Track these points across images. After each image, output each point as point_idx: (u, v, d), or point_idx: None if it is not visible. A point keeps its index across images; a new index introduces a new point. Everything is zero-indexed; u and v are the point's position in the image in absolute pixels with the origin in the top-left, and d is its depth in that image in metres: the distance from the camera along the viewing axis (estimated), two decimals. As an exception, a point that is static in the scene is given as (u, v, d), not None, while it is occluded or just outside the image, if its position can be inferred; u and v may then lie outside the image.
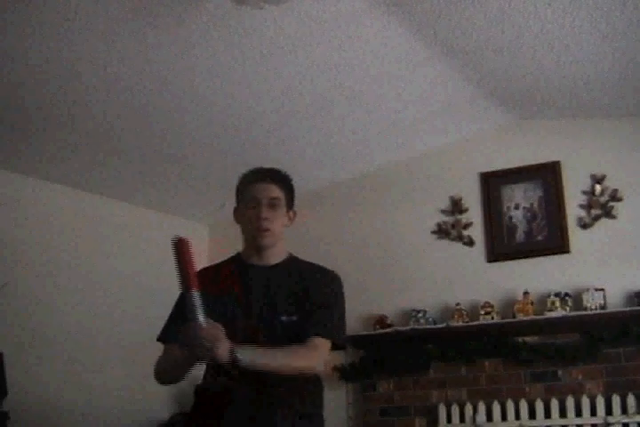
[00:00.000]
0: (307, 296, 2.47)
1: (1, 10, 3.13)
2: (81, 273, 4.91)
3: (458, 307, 4.90)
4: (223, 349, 2.16)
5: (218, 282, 2.49)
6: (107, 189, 5.06)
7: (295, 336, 2.40)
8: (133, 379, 5.06)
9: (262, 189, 2.54)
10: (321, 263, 2.63)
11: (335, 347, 2.48)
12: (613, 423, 4.36)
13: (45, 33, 3.35)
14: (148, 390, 5.16)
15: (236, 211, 2.65)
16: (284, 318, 2.43)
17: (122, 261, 5.15)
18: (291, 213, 2.63)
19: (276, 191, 2.55)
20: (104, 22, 3.35)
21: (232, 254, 2.66)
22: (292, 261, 2.59)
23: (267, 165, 2.66)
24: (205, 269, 2.56)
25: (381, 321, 5.07)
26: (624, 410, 4.36)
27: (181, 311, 2.39)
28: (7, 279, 4.46)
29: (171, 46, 3.61)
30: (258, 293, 2.47)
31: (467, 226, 5.15)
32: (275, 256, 2.55)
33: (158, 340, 2.63)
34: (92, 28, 3.37)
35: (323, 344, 2.41)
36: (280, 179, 2.59)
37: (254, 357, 2.23)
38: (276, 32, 3.61)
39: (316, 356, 2.40)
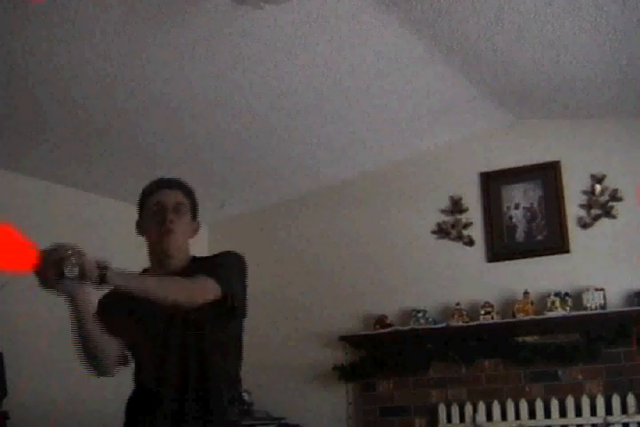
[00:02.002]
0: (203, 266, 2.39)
1: (1, 11, 3.13)
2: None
3: (458, 307, 4.90)
4: (90, 263, 2.06)
5: (119, 305, 2.38)
6: (106, 188, 5.06)
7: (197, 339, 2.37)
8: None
9: (167, 195, 2.46)
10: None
11: (231, 311, 2.33)
12: (613, 423, 4.36)
13: (45, 33, 3.35)
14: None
15: (138, 222, 2.55)
16: (181, 332, 2.38)
17: (122, 261, 5.14)
18: (195, 223, 2.53)
19: (181, 197, 2.47)
20: (104, 23, 3.35)
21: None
22: (196, 261, 2.49)
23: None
24: (106, 296, 2.49)
25: (381, 321, 5.07)
26: (624, 410, 4.36)
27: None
28: (7, 279, 4.46)
29: (171, 46, 3.61)
30: (149, 312, 2.34)
31: (467, 226, 5.16)
32: (180, 263, 2.45)
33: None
34: (92, 29, 3.37)
35: (209, 284, 2.25)
36: (184, 187, 2.52)
37: (126, 278, 2.17)
38: (276, 32, 3.61)
39: (198, 290, 2.24)
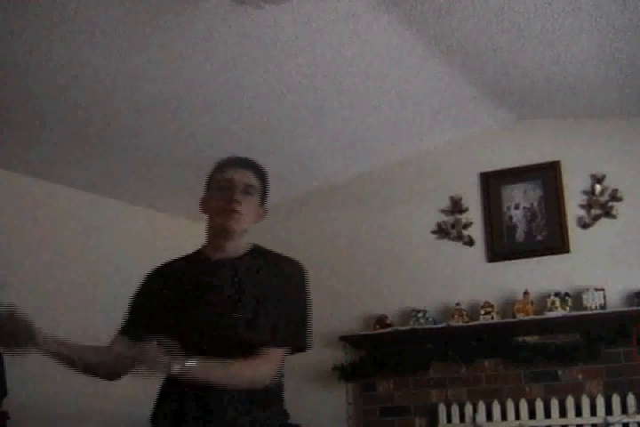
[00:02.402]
0: (270, 293, 2.28)
1: (1, 11, 3.13)
2: (81, 273, 4.91)
3: (458, 307, 4.90)
4: (167, 364, 2.08)
5: (176, 282, 2.34)
6: (106, 189, 5.06)
7: (253, 334, 2.22)
8: (133, 379, 5.06)
9: (238, 174, 2.35)
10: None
11: (298, 349, 2.31)
12: (613, 423, 4.36)
13: (45, 33, 3.35)
14: (148, 390, 5.16)
15: (203, 199, 2.42)
16: (243, 315, 2.23)
17: (122, 261, 5.15)
18: (262, 209, 2.41)
19: (253, 179, 2.37)
20: (104, 23, 3.34)
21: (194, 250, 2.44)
22: (257, 252, 2.38)
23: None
24: (164, 267, 2.43)
25: (381, 321, 5.07)
26: (624, 410, 4.36)
27: (142, 302, 2.36)
28: (7, 279, 4.46)
29: (171, 46, 3.61)
30: (220, 290, 2.27)
31: (467, 226, 5.16)
32: (235, 249, 2.34)
33: (120, 332, 2.44)
34: (91, 29, 3.37)
35: (276, 355, 2.23)
36: (258, 168, 2.43)
37: (202, 371, 2.13)
38: (276, 32, 3.61)
39: (267, 369, 2.21)
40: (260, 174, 2.42)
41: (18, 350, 1.97)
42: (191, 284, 2.30)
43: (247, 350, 2.21)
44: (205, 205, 2.41)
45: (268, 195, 2.43)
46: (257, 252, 2.38)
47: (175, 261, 2.45)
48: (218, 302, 2.25)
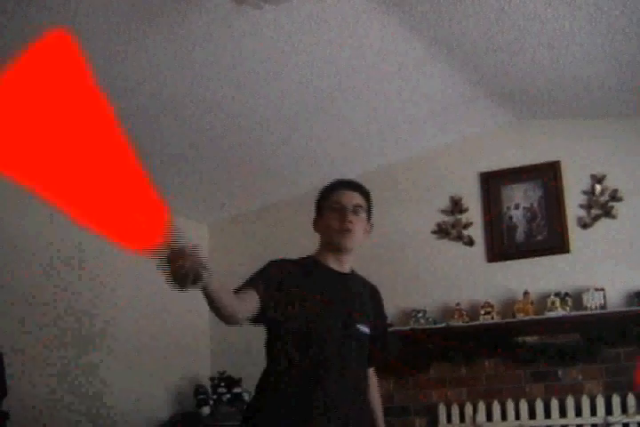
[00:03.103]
0: (379, 314, 2.68)
1: (1, 11, 3.13)
2: (81, 273, 4.91)
3: (458, 307, 4.90)
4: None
5: (312, 278, 2.54)
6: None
7: (365, 347, 2.55)
8: (133, 379, 5.07)
9: (347, 196, 2.65)
10: None
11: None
12: (613, 423, 4.36)
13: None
14: (148, 390, 5.17)
15: (316, 220, 2.69)
16: (359, 326, 2.53)
17: (122, 261, 5.15)
18: (368, 225, 2.72)
19: (360, 200, 2.67)
20: (104, 23, 3.35)
21: (304, 256, 2.68)
22: (356, 273, 2.70)
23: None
24: (291, 261, 2.61)
25: (381, 321, 5.07)
26: (624, 410, 4.36)
27: (282, 280, 2.46)
28: (7, 279, 4.46)
29: (171, 46, 3.61)
30: (337, 298, 2.54)
31: (467, 226, 5.15)
32: (348, 264, 2.65)
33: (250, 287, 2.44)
34: (91, 29, 3.37)
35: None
36: (363, 189, 2.72)
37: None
38: (277, 32, 3.61)
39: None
40: (366, 195, 2.72)
41: (190, 286, 2.04)
42: (329, 287, 2.55)
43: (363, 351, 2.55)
44: (318, 225, 2.67)
45: (372, 212, 2.75)
46: (355, 272, 2.70)
47: (297, 261, 2.63)
48: (352, 308, 2.54)
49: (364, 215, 2.66)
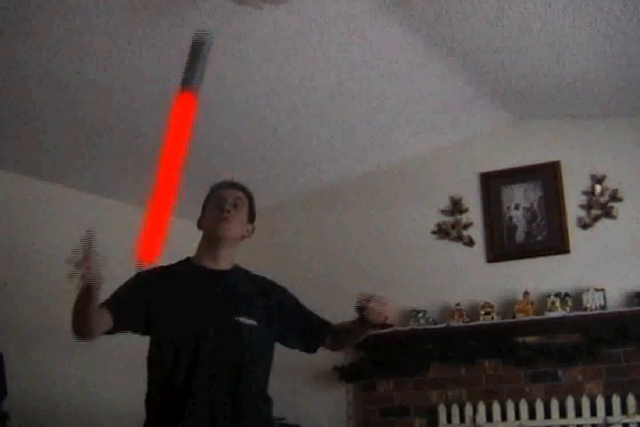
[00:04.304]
0: (285, 303, 2.73)
1: (1, 11, 3.13)
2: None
3: (458, 307, 4.90)
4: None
5: (176, 283, 2.59)
6: (106, 189, 5.06)
7: (256, 339, 2.55)
8: (133, 379, 5.06)
9: (228, 191, 2.71)
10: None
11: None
12: (613, 423, 4.36)
13: (45, 33, 3.35)
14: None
15: (200, 217, 2.75)
16: (241, 319, 2.52)
17: (122, 261, 5.15)
18: (250, 226, 2.73)
19: (241, 195, 2.71)
20: (103, 23, 3.35)
21: (180, 259, 2.74)
22: (240, 269, 2.71)
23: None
24: (161, 268, 2.63)
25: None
26: (624, 410, 4.36)
27: (141, 293, 2.54)
28: (7, 279, 4.46)
29: (170, 46, 3.61)
30: (207, 295, 2.56)
31: (467, 226, 5.15)
32: (227, 262, 2.65)
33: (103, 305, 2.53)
34: (91, 29, 3.37)
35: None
36: (246, 190, 2.75)
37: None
38: (276, 32, 3.61)
39: None
40: (248, 193, 2.75)
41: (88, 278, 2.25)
42: (196, 289, 2.57)
43: (257, 352, 2.57)
44: (201, 222, 2.74)
45: (255, 215, 2.75)
46: (239, 269, 2.72)
47: (167, 267, 2.66)
48: (228, 304, 2.56)
49: (244, 209, 2.69)
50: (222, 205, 2.64)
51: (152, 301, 2.54)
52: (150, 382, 2.57)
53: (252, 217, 2.73)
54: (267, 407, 2.59)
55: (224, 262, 2.65)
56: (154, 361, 2.56)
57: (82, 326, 2.41)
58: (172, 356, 2.46)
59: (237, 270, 2.69)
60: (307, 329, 2.78)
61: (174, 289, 2.56)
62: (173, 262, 2.70)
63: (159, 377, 2.51)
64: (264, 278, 2.76)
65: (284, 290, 2.79)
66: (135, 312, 2.53)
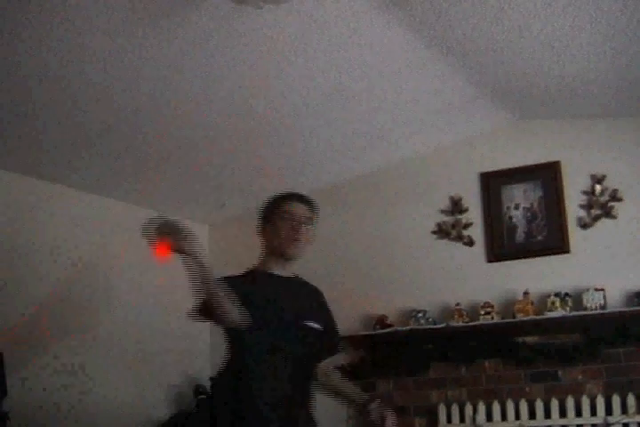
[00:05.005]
0: (326, 312, 2.95)
1: (1, 11, 3.13)
2: (81, 273, 4.91)
3: (458, 307, 4.90)
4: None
5: (261, 286, 2.74)
6: (106, 189, 5.06)
7: (320, 343, 2.82)
8: (133, 379, 5.07)
9: (300, 208, 2.85)
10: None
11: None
12: (613, 423, 4.36)
13: (45, 33, 3.35)
14: (148, 390, 5.17)
15: (264, 228, 2.87)
16: (309, 323, 2.78)
17: (122, 261, 5.15)
18: (313, 235, 2.90)
19: (309, 213, 2.86)
20: (104, 23, 3.35)
21: (245, 270, 2.87)
22: (299, 276, 2.93)
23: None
24: (236, 276, 2.78)
25: (381, 321, 5.07)
26: (624, 410, 4.36)
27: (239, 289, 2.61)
28: (7, 279, 4.46)
29: (171, 46, 3.61)
30: (286, 299, 2.76)
31: (467, 226, 5.15)
32: (292, 269, 2.89)
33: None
34: (91, 29, 3.37)
35: None
36: (313, 204, 2.90)
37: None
38: (276, 32, 3.61)
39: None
40: (315, 207, 2.90)
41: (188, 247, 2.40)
42: (276, 290, 2.76)
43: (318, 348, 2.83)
44: (265, 232, 2.86)
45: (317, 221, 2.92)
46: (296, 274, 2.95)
47: (240, 275, 2.82)
48: (300, 308, 2.80)
49: (311, 228, 2.85)
50: (296, 227, 2.79)
51: (245, 302, 2.63)
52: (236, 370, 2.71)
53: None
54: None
55: (290, 271, 2.88)
56: (244, 355, 2.69)
57: (226, 312, 2.53)
58: (266, 351, 2.67)
59: (298, 277, 2.92)
60: (326, 339, 2.94)
61: (261, 291, 2.72)
62: (240, 273, 2.85)
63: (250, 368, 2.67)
64: (310, 284, 2.96)
65: (322, 295, 2.99)
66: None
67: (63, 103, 3.96)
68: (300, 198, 2.88)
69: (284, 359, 2.70)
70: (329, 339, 2.93)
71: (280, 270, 2.83)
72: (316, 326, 2.81)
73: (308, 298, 2.89)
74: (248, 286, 2.70)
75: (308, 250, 2.89)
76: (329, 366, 2.97)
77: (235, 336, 2.70)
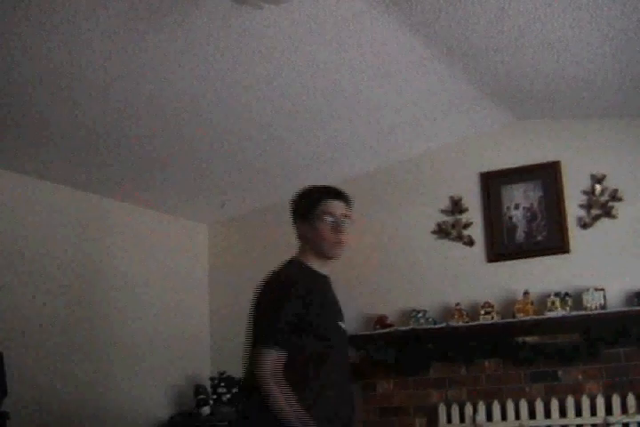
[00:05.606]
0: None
1: (1, 11, 3.13)
2: (81, 273, 4.91)
3: (458, 307, 4.90)
4: None
5: (317, 288, 2.71)
6: (106, 189, 5.06)
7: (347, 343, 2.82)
8: (134, 379, 5.07)
9: (340, 207, 2.74)
10: None
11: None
12: (613, 423, 4.36)
13: (45, 34, 3.35)
14: (148, 390, 5.17)
15: (302, 226, 2.75)
16: (341, 324, 2.76)
17: (121, 261, 5.15)
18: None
19: (348, 209, 2.76)
20: (104, 23, 3.34)
21: (289, 260, 2.78)
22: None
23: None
24: (303, 273, 2.70)
25: (381, 321, 5.07)
26: (624, 410, 4.36)
27: (301, 311, 2.56)
28: (7, 279, 4.46)
29: (171, 46, 3.61)
30: (332, 300, 2.78)
31: (467, 226, 5.15)
32: (330, 267, 2.82)
33: (275, 344, 2.56)
34: (91, 29, 3.37)
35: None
36: (349, 199, 2.79)
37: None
38: (276, 32, 3.61)
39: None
40: (351, 204, 2.80)
41: None
42: (326, 290, 2.76)
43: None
44: (307, 230, 2.72)
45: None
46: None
47: (300, 271, 2.72)
48: (338, 308, 2.81)
49: (350, 226, 2.77)
50: (338, 229, 2.70)
51: (309, 310, 2.61)
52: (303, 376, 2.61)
53: None
54: None
55: (328, 269, 2.81)
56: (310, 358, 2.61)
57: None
58: (328, 352, 2.62)
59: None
60: None
61: (319, 291, 2.70)
62: (292, 266, 2.74)
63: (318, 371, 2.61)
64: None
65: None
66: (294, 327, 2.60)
67: (63, 103, 3.96)
68: (338, 195, 2.76)
69: (340, 364, 2.68)
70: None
71: (319, 267, 2.75)
72: (344, 326, 2.77)
73: (335, 296, 2.84)
74: (313, 285, 2.68)
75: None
76: None
77: (295, 344, 2.57)
